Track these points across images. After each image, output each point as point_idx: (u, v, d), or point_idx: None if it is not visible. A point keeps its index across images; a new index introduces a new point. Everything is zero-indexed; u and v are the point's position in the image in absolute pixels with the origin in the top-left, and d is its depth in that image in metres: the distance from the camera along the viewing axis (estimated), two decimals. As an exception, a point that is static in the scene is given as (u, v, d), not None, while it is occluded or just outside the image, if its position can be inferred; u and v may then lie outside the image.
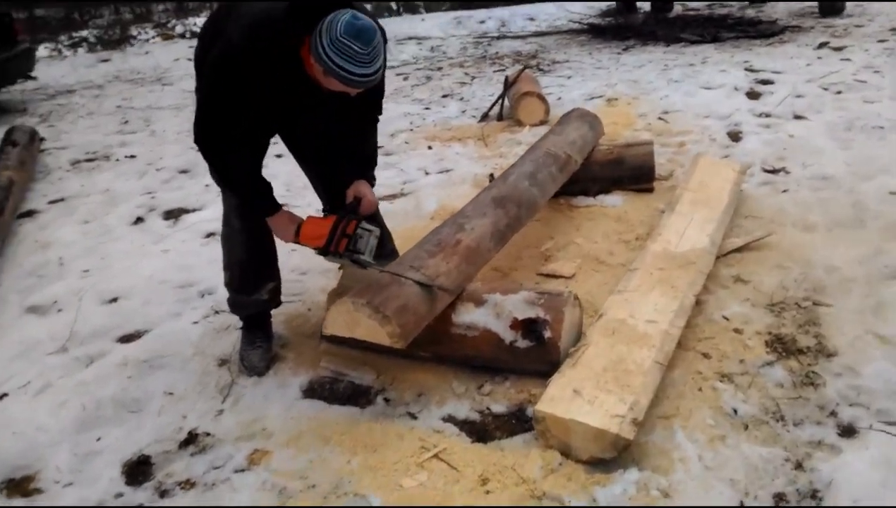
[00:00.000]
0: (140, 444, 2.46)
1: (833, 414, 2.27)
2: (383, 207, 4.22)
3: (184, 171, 5.47)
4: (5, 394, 2.84)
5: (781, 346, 2.62)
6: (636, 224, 3.68)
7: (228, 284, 2.83)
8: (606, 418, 2.13)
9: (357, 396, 2.62)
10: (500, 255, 3.32)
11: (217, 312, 3.23)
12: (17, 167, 5.32)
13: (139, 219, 4.62)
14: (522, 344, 2.47)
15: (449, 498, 2.09)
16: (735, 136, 4.75)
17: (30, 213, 4.95)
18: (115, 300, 3.54)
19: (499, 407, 2.48)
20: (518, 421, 2.40)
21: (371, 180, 2.60)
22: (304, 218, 2.47)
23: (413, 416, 2.48)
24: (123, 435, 2.52)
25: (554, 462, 2.17)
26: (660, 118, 5.25)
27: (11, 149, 5.63)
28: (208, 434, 2.48)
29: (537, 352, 2.46)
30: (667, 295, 2.73)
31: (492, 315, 2.52)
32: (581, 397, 2.21)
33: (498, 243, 2.89)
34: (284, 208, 2.48)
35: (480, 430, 2.40)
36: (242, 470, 2.29)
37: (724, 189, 3.62)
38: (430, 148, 5.32)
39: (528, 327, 2.46)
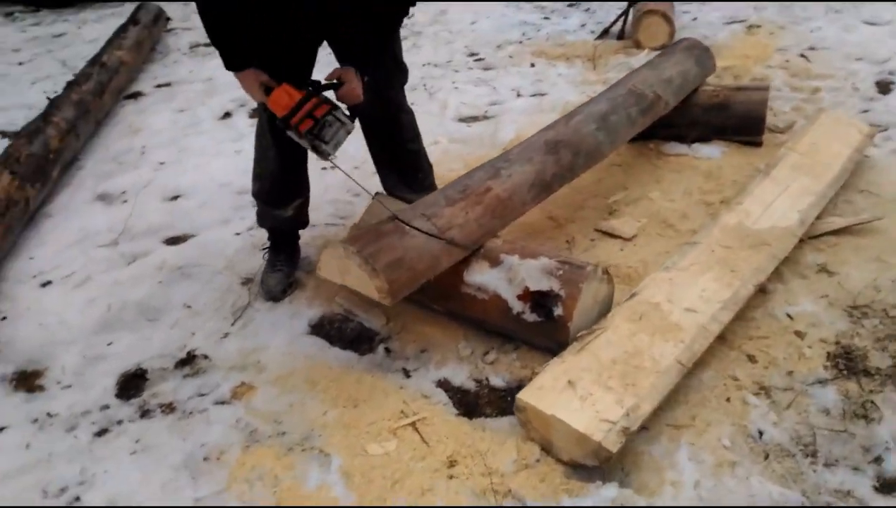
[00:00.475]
0: (143, 356, 2.48)
1: (877, 460, 1.89)
2: (460, 131, 4.01)
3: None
4: (49, 282, 2.95)
5: (845, 362, 2.20)
6: (727, 183, 3.21)
7: (257, 195, 2.76)
8: (594, 422, 1.88)
9: (360, 341, 2.49)
10: (560, 201, 3.05)
11: (260, 226, 3.18)
12: (132, 47, 5.45)
13: (227, 115, 4.62)
14: (530, 317, 2.22)
15: (407, 475, 1.95)
16: (885, 87, 4.00)
17: (135, 95, 5.10)
18: (175, 198, 3.59)
19: (497, 380, 2.27)
20: (512, 400, 2.18)
21: (363, 73, 2.35)
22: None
23: (407, 374, 2.33)
24: (132, 344, 2.55)
25: (531, 458, 1.96)
26: (801, 55, 4.51)
27: (132, 28, 5.77)
28: (206, 358, 2.45)
29: (545, 328, 2.21)
30: (721, 281, 2.36)
31: (504, 279, 2.27)
32: (574, 390, 1.96)
33: (539, 195, 2.59)
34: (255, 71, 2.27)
35: (471, 403, 2.21)
36: (223, 403, 2.26)
37: (841, 155, 3.05)
38: (532, 65, 4.91)
39: (538, 300, 2.20)
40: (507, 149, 2.72)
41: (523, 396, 1.97)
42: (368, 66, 2.35)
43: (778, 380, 2.15)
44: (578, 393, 1.96)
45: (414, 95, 4.05)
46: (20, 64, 5.98)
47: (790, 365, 2.20)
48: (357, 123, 2.37)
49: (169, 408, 2.25)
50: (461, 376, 2.30)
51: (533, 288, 2.21)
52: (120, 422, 2.21)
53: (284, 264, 2.78)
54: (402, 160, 2.86)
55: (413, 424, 2.11)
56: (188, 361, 2.45)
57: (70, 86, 4.43)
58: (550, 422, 1.91)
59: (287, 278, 2.76)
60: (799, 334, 2.32)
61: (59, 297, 2.85)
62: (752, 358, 2.24)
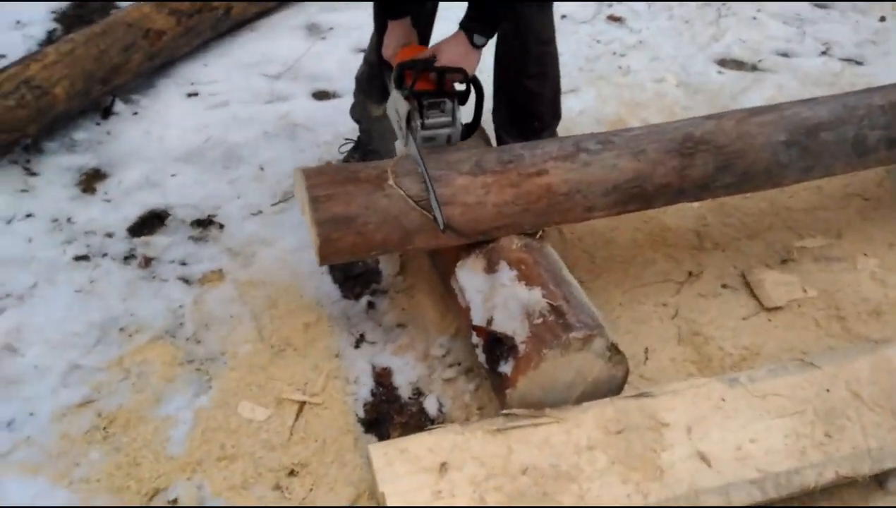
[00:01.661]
0: (180, 200, 2.41)
1: None
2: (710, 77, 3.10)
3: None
4: (195, 94, 3.01)
5: None
6: None
7: (357, 79, 2.50)
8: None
9: (356, 281, 2.14)
10: (732, 209, 2.27)
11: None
12: None
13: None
14: (481, 355, 1.66)
15: (240, 457, 1.66)
16: None
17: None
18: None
19: (431, 404, 1.80)
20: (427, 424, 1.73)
21: (469, 30, 1.81)
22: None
23: (359, 342, 1.95)
24: (185, 184, 2.49)
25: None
26: None
27: None
28: (220, 228, 2.32)
29: (492, 379, 1.65)
30: (797, 442, 1.52)
31: (481, 294, 1.71)
32: (438, 478, 1.44)
33: (623, 206, 1.87)
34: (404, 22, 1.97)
35: (382, 415, 1.79)
36: (186, 282, 2.12)
37: None
38: (882, 19, 3.58)
39: (492, 342, 1.62)
40: (628, 127, 1.98)
41: (375, 450, 1.50)
42: (478, 22, 1.81)
43: None
44: (439, 486, 1.43)
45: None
46: None
47: None
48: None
49: (146, 263, 2.18)
50: (405, 377, 1.87)
51: (496, 324, 1.63)
52: (104, 255, 2.20)
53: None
54: (516, 97, 2.27)
55: (301, 405, 1.77)
56: (205, 224, 2.33)
57: None
58: (382, 496, 1.44)
59: None
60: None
61: (185, 112, 2.89)
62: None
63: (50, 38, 3.31)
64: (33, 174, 2.52)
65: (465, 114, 1.90)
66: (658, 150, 1.86)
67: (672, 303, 2.05)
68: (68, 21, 3.55)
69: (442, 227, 1.69)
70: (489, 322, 1.65)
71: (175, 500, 1.58)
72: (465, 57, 1.80)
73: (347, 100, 2.95)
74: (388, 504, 1.40)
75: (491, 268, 1.74)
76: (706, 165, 1.88)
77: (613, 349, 1.58)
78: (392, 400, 1.82)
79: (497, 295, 1.67)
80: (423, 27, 2.11)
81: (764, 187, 2.01)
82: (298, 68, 3.21)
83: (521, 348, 1.56)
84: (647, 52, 3.24)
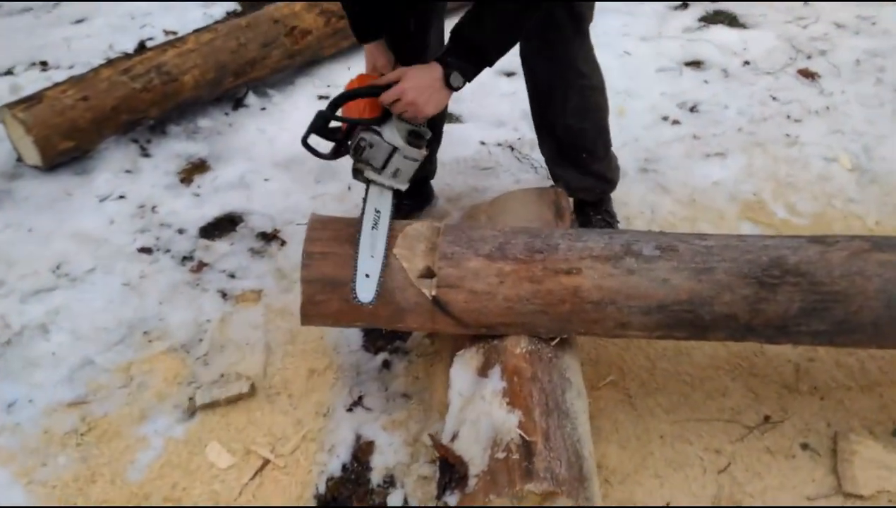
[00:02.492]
0: (257, 207, 2.41)
1: None
2: None
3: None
4: (324, 97, 3.01)
5: None
6: None
7: None
8: None
9: (380, 336, 1.97)
10: (840, 355, 1.85)
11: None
12: None
13: None
14: (436, 472, 1.44)
15: (175, 504, 1.58)
16: None
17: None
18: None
19: (398, 496, 1.60)
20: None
21: (450, 63, 1.54)
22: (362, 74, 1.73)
23: (352, 407, 1.79)
24: (273, 192, 2.49)
25: None
26: None
27: None
28: (282, 245, 2.27)
29: (437, 501, 1.42)
30: None
31: (461, 399, 1.48)
32: None
33: (670, 331, 1.52)
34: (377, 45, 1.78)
35: (343, 495, 1.62)
36: (224, 296, 2.09)
37: None
38: None
39: (445, 463, 1.39)
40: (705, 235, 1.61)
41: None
42: (461, 59, 1.54)
43: None
44: None
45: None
46: None
47: None
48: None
49: (198, 268, 2.18)
50: (384, 459, 1.68)
51: (459, 443, 1.39)
52: (167, 252, 2.24)
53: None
54: (555, 133, 2.00)
55: (265, 463, 1.66)
56: (268, 238, 2.29)
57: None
58: None
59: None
60: None
61: (308, 115, 2.86)
62: None
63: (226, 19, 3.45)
64: (146, 155, 2.65)
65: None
66: (730, 272, 1.49)
67: (727, 453, 1.66)
68: (248, 4, 3.71)
69: (363, 302, 1.48)
70: (454, 437, 1.41)
71: (106, 533, 1.54)
72: (429, 92, 1.52)
73: (469, 127, 2.80)
74: None
75: (483, 371, 1.50)
76: (790, 304, 1.47)
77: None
78: (359, 483, 1.64)
79: (472, 408, 1.43)
80: (416, 45, 1.83)
81: (866, 345, 1.55)
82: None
83: (472, 483, 1.32)
84: (830, 122, 2.70)
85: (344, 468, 1.67)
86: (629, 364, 1.86)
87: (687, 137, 2.67)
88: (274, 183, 2.53)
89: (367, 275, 1.50)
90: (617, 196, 2.36)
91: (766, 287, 1.48)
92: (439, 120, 2.16)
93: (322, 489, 1.63)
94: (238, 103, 2.96)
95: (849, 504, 1.54)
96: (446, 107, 1.85)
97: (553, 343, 1.55)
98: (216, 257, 2.21)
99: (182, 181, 2.55)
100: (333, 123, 1.57)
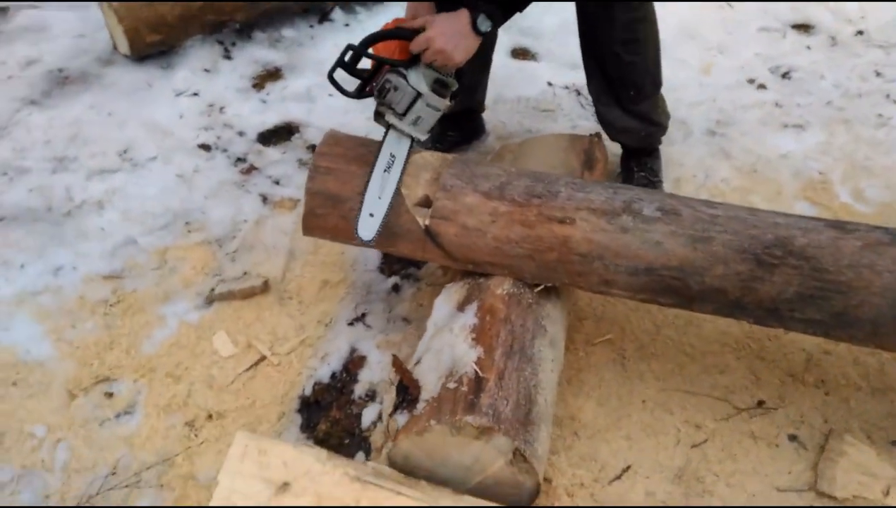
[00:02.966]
0: (342, 126, 2.48)
1: None
2: None
3: None
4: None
5: None
6: None
7: None
8: None
9: (397, 260, 2.01)
10: (860, 352, 1.76)
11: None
12: None
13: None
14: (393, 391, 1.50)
15: (176, 381, 1.73)
16: None
17: None
18: None
19: (374, 410, 1.68)
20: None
21: (476, 8, 1.51)
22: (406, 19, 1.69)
23: (353, 322, 1.87)
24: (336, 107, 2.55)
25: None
26: None
27: None
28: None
29: (389, 419, 1.48)
30: None
31: (434, 328, 1.52)
32: (265, 490, 1.37)
33: (655, 295, 1.48)
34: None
35: (325, 401, 1.72)
36: (265, 200, 2.20)
37: None
38: None
39: (401, 385, 1.44)
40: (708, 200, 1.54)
41: (240, 437, 1.45)
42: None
43: None
44: (268, 502, 1.36)
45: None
46: None
47: None
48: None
49: (248, 170, 2.29)
50: (371, 374, 1.76)
51: (419, 368, 1.44)
52: (224, 151, 2.35)
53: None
54: (605, 65, 1.92)
55: (262, 359, 1.78)
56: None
57: None
58: (215, 483, 1.41)
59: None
60: None
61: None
62: None
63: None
64: (228, 57, 2.77)
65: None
66: (729, 245, 1.43)
67: (707, 430, 1.62)
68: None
69: (363, 239, 1.53)
70: (417, 362, 1.46)
71: (111, 394, 1.71)
72: (457, 39, 1.50)
73: (541, 66, 2.76)
74: (214, 496, 1.36)
75: (461, 306, 1.53)
76: (786, 286, 1.40)
77: (519, 456, 1.31)
78: (343, 392, 1.73)
79: (440, 338, 1.47)
80: None
81: (862, 342, 1.44)
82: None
83: (420, 407, 1.37)
84: (934, 107, 2.46)
85: (332, 376, 1.76)
86: (633, 325, 1.83)
87: (769, 104, 2.51)
88: (337, 99, 2.53)
89: (371, 215, 1.55)
90: (673, 156, 2.28)
91: (764, 266, 1.41)
92: (487, 48, 2.11)
93: (308, 391, 1.73)
94: (324, 17, 3.02)
95: (817, 503, 1.48)
96: (496, 36, 1.83)
97: (537, 289, 1.55)
98: (266, 162, 2.32)
99: (254, 86, 2.66)
100: (361, 63, 1.58)
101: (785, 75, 2.64)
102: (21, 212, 2.10)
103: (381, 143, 1.59)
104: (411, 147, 1.61)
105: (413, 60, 1.55)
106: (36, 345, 1.79)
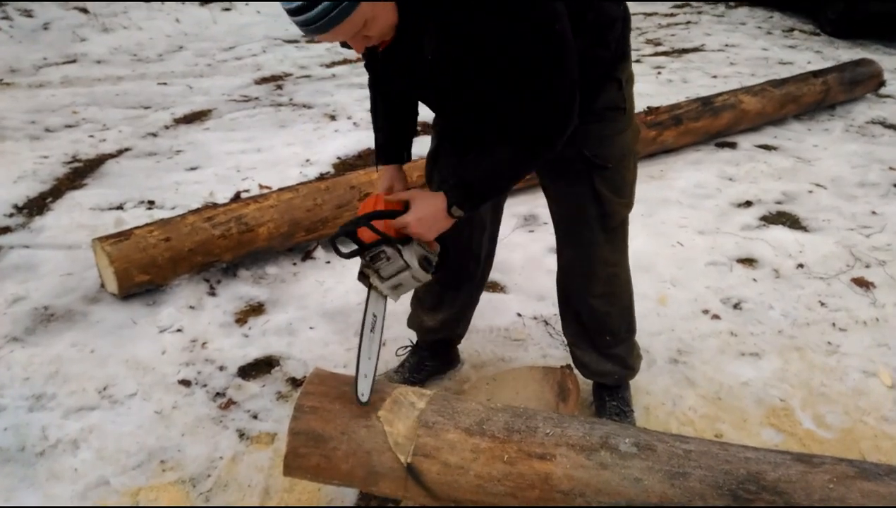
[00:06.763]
0: (319, 359, 2.56)
1: None
2: None
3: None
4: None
5: None
6: None
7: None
8: None
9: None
10: None
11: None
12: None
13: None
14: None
15: None
16: None
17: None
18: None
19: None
20: None
21: (450, 197, 1.68)
22: (378, 193, 1.86)
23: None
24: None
25: None
26: None
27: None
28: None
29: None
30: None
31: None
32: None
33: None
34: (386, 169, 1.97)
35: None
36: (241, 436, 2.21)
37: None
38: None
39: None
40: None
41: None
42: (459, 191, 1.68)
43: None
44: None
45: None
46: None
47: None
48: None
49: (226, 405, 2.31)
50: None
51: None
52: (203, 386, 2.39)
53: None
54: (580, 315, 2.06)
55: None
56: (298, 384, 2.42)
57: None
58: None
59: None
60: None
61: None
62: None
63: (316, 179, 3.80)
64: (213, 294, 2.90)
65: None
66: (705, 481, 1.47)
67: None
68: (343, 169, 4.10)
69: (362, 401, 1.60)
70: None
71: None
72: (431, 223, 1.68)
73: (510, 297, 2.92)
74: None
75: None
76: (766, 520, 1.43)
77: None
78: None
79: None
80: None
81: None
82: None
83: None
84: (877, 335, 2.64)
85: None
86: None
87: (724, 333, 2.67)
88: (318, 331, 2.69)
89: (365, 376, 1.64)
90: (641, 384, 2.37)
91: (740, 500, 1.44)
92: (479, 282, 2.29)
93: None
94: (307, 255, 3.22)
95: None
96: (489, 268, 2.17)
97: (521, 527, 1.56)
98: (245, 396, 2.35)
99: (237, 321, 2.76)
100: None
101: (736, 306, 2.84)
102: (-7, 453, 2.07)
103: (365, 305, 1.71)
104: (385, 306, 1.77)
105: (409, 238, 1.72)
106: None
